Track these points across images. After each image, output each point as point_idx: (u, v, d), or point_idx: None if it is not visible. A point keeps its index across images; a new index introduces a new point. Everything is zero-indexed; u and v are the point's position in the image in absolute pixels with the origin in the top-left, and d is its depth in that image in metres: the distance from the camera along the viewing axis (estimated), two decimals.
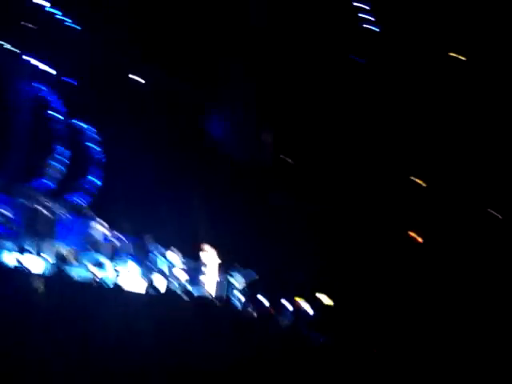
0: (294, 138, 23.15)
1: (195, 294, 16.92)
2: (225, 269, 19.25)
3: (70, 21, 19.03)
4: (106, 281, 15.11)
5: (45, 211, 15.64)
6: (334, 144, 22.10)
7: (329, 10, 19.06)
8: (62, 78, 20.28)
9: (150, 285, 15.86)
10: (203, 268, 18.89)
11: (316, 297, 20.81)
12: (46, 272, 13.99)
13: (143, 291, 15.24)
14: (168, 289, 16.53)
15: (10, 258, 13.58)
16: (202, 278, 18.74)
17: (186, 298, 15.45)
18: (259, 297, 18.97)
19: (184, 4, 19.24)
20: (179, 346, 12.75)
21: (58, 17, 18.73)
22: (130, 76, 21.04)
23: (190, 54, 20.13)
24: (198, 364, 11.76)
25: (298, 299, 20.14)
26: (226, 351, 12.57)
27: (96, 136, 21.19)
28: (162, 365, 11.82)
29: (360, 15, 19.00)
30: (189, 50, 20.02)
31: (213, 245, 19.01)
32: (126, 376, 10.59)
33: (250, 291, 19.07)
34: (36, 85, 19.76)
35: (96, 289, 14.35)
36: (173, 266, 18.16)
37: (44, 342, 11.33)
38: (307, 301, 20.22)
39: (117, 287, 15.23)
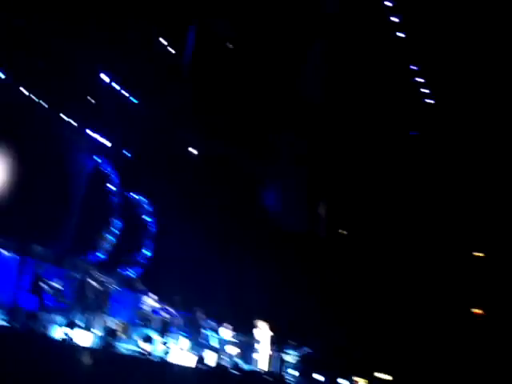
0: (348, 210, 22.91)
1: (247, 369, 16.53)
2: (278, 344, 18.77)
3: (126, 94, 19.46)
4: (155, 355, 14.82)
5: (96, 284, 15.54)
6: (388, 217, 21.76)
7: (381, 85, 19.03)
8: (118, 150, 20.62)
9: (200, 360, 15.49)
10: (256, 343, 18.45)
11: (374, 374, 20.16)
12: (95, 346, 13.78)
13: (192, 366, 14.88)
14: (218, 364, 16.15)
15: (60, 332, 13.41)
16: (254, 353, 18.28)
17: (236, 373, 15.07)
18: (314, 374, 18.45)
19: (235, 79, 19.53)
20: None
21: (115, 91, 19.15)
22: (183, 146, 21.31)
23: (243, 127, 20.28)
24: None
25: (354, 377, 19.52)
26: None
27: (148, 208, 21.25)
28: None
29: (414, 87, 18.91)
30: (242, 123, 20.19)
31: (266, 319, 18.61)
32: None
33: (304, 368, 18.53)
34: (92, 157, 20.07)
35: (144, 363, 14.08)
36: (224, 341, 17.76)
37: None
38: (364, 378, 19.58)
39: (165, 362, 14.93)
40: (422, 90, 18.98)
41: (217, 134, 20.59)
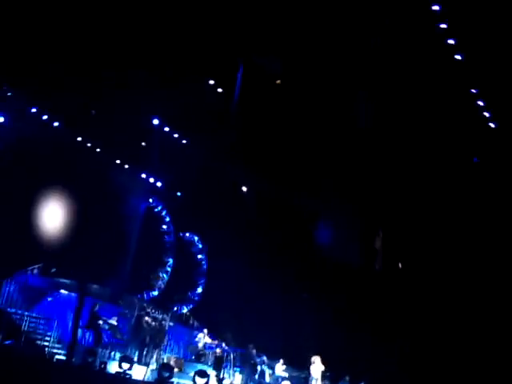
0: (404, 243, 22.59)
1: None
2: (332, 379, 18.62)
3: (176, 135, 19.95)
4: None
5: (151, 321, 15.93)
6: (445, 249, 21.32)
7: (439, 111, 18.66)
8: (170, 191, 21.17)
9: None
10: (309, 378, 18.37)
11: None
12: (150, 380, 14.09)
13: None
14: None
15: (117, 366, 13.79)
16: None
17: None
18: None
19: (284, 116, 19.66)
20: None
21: (165, 133, 19.69)
22: (233, 185, 21.60)
23: (294, 164, 20.31)
24: None
25: None
26: None
27: (201, 246, 21.65)
28: None
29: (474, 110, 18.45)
30: (293, 159, 20.23)
31: (319, 354, 18.50)
32: None
33: None
34: (145, 198, 20.69)
35: None
36: (278, 376, 17.84)
37: None
38: None
39: None
40: (483, 113, 18.41)
41: (268, 172, 20.72)
